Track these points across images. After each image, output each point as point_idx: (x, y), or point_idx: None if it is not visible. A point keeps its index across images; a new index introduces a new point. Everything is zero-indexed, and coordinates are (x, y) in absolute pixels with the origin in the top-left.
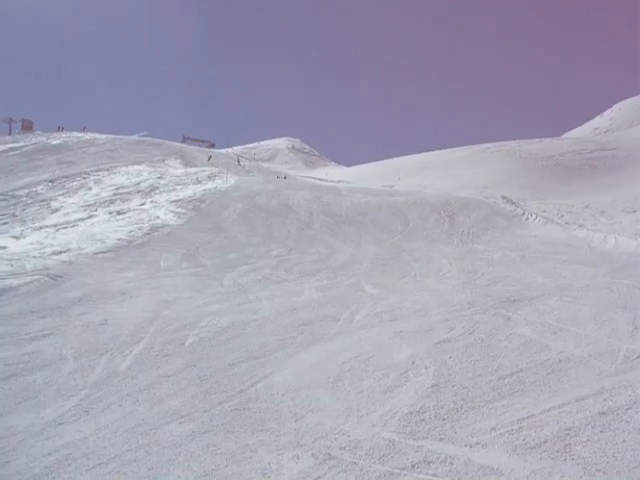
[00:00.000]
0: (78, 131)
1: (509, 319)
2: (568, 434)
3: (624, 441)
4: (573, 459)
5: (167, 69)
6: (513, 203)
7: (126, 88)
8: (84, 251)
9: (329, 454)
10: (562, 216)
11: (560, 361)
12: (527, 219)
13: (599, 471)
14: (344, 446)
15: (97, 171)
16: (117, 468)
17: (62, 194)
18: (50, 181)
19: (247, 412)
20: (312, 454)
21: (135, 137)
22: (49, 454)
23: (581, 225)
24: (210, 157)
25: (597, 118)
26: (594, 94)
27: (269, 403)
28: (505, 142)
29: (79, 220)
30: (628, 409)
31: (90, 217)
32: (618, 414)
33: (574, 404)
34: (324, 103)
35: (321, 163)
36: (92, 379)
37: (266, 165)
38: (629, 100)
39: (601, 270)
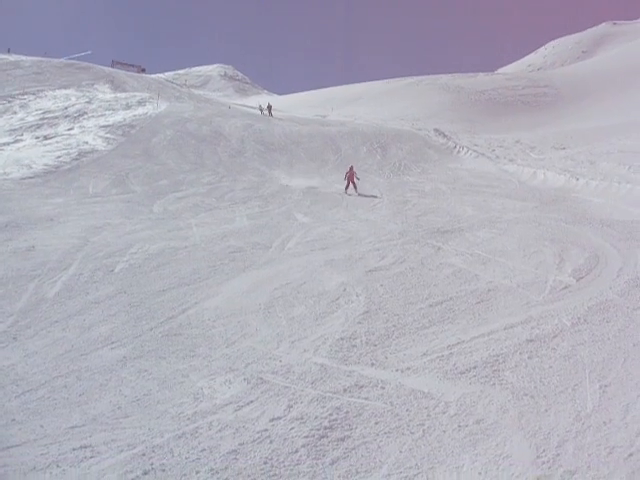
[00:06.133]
0: (2, 53)
1: (439, 249)
2: (497, 360)
3: (551, 367)
4: (501, 384)
5: None
6: (445, 136)
7: (54, 9)
8: (10, 176)
9: (261, 378)
10: (493, 150)
11: (489, 290)
12: (458, 152)
13: (526, 395)
14: (276, 371)
15: (23, 95)
16: (47, 394)
17: None
18: None
19: (178, 338)
20: (244, 379)
21: (63, 60)
22: None
23: (511, 160)
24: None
25: (531, 55)
26: (529, 31)
27: (200, 329)
28: (439, 75)
29: (4, 145)
30: (555, 337)
31: (16, 142)
32: (545, 342)
33: (502, 332)
34: (258, 29)
35: (254, 91)
36: (20, 306)
37: (197, 92)
38: (563, 39)
39: (530, 204)
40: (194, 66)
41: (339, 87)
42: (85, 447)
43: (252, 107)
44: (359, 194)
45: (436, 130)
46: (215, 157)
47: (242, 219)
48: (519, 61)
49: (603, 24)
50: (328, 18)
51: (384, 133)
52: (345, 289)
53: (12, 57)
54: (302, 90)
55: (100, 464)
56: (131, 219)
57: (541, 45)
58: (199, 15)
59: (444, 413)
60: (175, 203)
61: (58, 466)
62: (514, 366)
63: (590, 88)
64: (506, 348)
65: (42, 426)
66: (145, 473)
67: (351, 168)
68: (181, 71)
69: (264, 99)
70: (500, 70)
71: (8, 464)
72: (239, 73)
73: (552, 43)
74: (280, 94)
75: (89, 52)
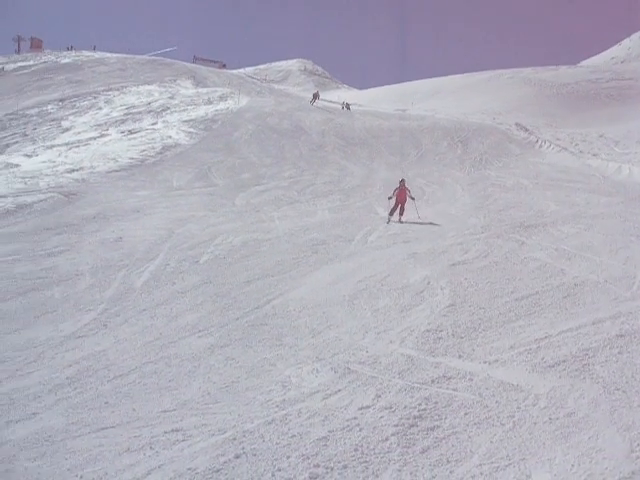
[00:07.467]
0: (88, 50)
1: (523, 244)
2: (586, 354)
3: None
4: (592, 378)
5: None
6: (526, 130)
7: (137, 7)
8: (97, 169)
9: (348, 368)
10: (576, 145)
11: (576, 285)
12: (540, 147)
13: (618, 390)
14: (363, 361)
15: (107, 90)
16: (138, 379)
17: (72, 113)
18: (60, 100)
19: (264, 327)
20: (331, 368)
21: (146, 56)
22: (70, 365)
23: (595, 154)
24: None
25: (614, 47)
26: (612, 22)
27: (286, 319)
28: (520, 69)
29: (91, 139)
30: None
31: (102, 136)
32: (635, 337)
33: (591, 326)
34: (338, 23)
35: (333, 86)
36: (109, 294)
37: (278, 87)
38: None
39: (615, 199)
40: (274, 61)
41: (418, 81)
42: (177, 430)
43: (332, 102)
44: (404, 222)
45: (517, 124)
46: (296, 151)
47: (324, 212)
48: (602, 54)
49: None
50: (407, 12)
51: (464, 127)
52: (429, 282)
53: (97, 54)
54: (382, 84)
55: (192, 447)
56: (214, 212)
57: (625, 37)
58: (279, 10)
59: (534, 405)
60: (257, 196)
61: (151, 448)
62: (604, 361)
63: None
64: (595, 343)
65: (134, 409)
66: (237, 457)
67: (402, 182)
68: (261, 66)
69: (344, 94)
70: (583, 63)
71: (103, 444)
72: (319, 68)
73: (636, 34)
74: (360, 89)
75: (174, 48)
